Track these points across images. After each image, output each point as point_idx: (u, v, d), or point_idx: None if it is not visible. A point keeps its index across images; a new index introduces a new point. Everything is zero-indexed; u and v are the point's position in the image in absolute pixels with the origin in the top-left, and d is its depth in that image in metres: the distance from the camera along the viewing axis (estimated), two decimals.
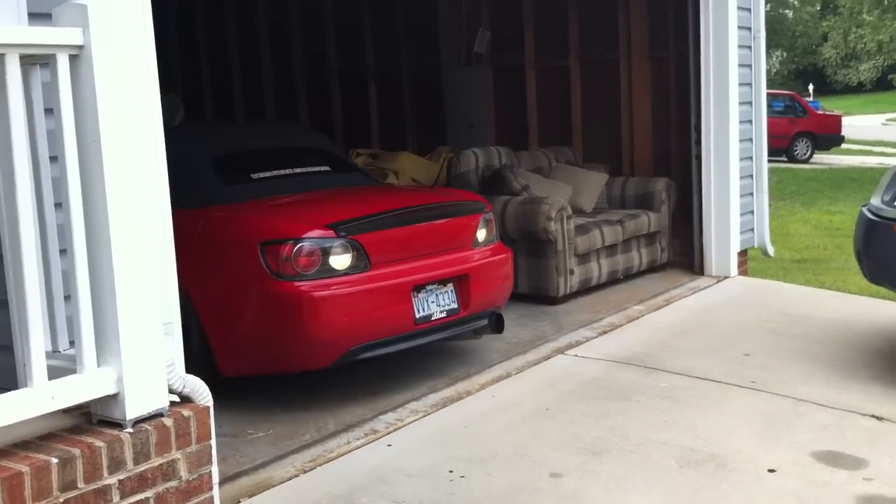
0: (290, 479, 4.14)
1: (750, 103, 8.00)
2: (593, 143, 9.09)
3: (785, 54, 55.58)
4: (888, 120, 38.91)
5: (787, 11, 52.84)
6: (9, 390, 2.57)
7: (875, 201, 5.59)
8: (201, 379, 3.98)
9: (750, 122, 8.03)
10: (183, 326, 4.41)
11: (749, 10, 7.90)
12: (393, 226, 5.19)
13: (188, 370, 3.80)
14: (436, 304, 5.24)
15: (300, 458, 4.35)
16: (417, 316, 5.12)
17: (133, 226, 2.77)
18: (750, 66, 7.97)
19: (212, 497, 3.06)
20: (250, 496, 3.92)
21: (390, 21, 10.65)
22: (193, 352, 4.55)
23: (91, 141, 2.70)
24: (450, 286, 5.33)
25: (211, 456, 3.05)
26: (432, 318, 5.21)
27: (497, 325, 5.63)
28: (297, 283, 4.77)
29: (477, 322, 5.52)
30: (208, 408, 3.06)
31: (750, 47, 7.95)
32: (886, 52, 23.42)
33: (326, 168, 6.15)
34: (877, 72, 30.19)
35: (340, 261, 4.89)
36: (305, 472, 4.21)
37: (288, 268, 4.77)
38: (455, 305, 5.34)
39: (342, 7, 10.91)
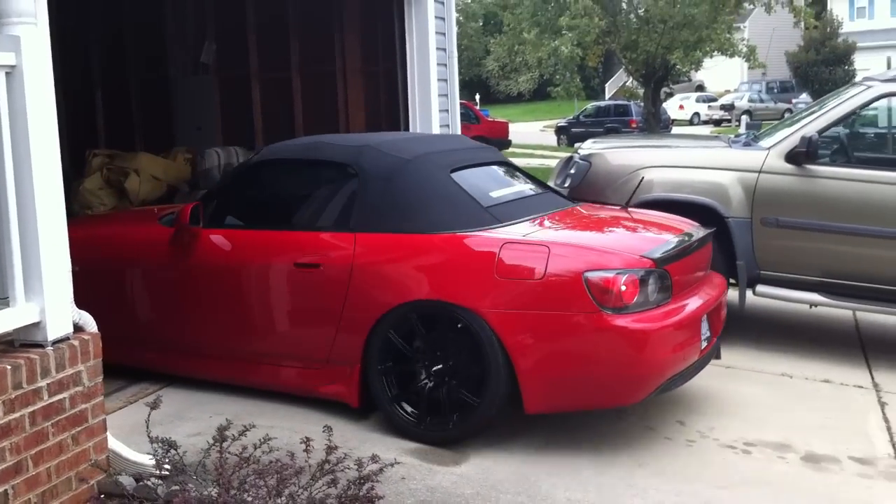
0: (122, 407, 5.16)
1: (447, 111, 9.57)
2: None
3: None
4: (545, 126, 43.00)
5: None
6: None
7: (550, 183, 7.44)
8: (498, 414, 4.76)
9: (448, 126, 9.62)
10: (485, 358, 4.59)
11: (444, 34, 9.48)
12: (686, 255, 5.04)
13: (485, 405, 4.66)
14: (701, 333, 4.97)
15: (124, 394, 5.39)
16: (702, 345, 4.94)
17: (50, 194, 3.78)
18: (446, 80, 9.56)
19: (102, 400, 4.09)
20: None
21: (118, 32, 11.33)
22: (500, 386, 4.57)
23: (21, 135, 3.69)
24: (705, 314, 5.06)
25: (101, 370, 4.06)
26: (702, 348, 4.95)
27: (718, 353, 5.45)
28: (627, 317, 4.49)
29: (714, 351, 5.30)
30: (99, 334, 4.07)
31: (446, 65, 9.54)
32: (544, 67, 26.52)
33: (532, 185, 5.85)
34: (534, 83, 33.63)
35: (653, 291, 4.64)
36: (133, 402, 5.24)
37: (613, 300, 4.47)
38: (709, 334, 5.06)
39: (66, 15, 11.38)
